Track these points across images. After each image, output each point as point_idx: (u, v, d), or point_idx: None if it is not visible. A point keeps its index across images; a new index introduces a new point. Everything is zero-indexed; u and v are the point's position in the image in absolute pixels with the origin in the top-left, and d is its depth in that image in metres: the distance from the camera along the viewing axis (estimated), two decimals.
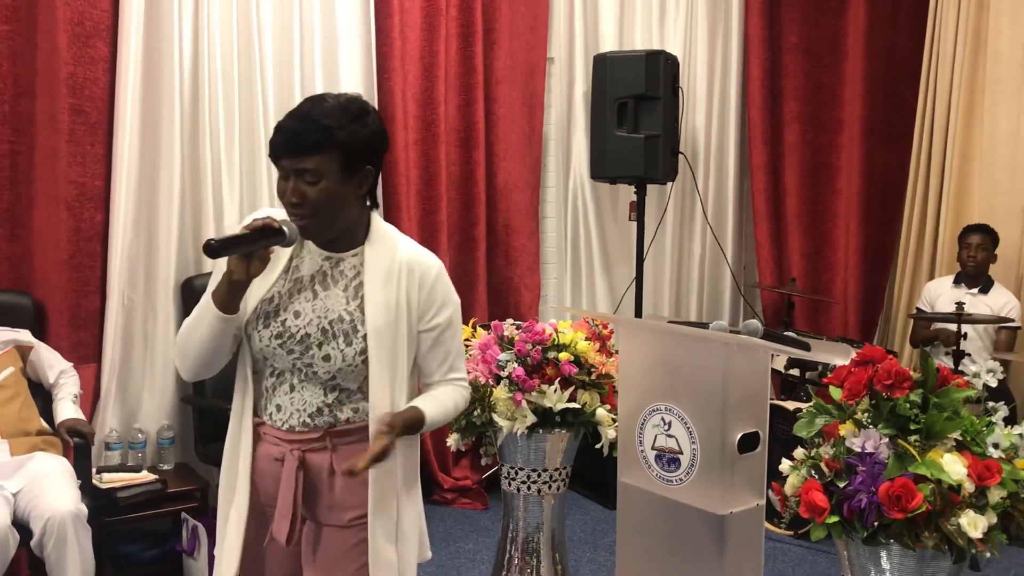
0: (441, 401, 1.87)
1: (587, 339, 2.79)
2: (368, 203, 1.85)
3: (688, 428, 2.33)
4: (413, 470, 1.93)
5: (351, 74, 4.06)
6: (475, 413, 2.70)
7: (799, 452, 2.23)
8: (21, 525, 2.81)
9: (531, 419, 2.66)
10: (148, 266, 3.65)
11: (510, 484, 2.82)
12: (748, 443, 2.24)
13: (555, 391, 2.67)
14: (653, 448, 2.43)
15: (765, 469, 2.31)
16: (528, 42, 4.65)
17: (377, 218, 1.88)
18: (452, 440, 2.82)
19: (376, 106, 4.13)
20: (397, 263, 1.81)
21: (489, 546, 3.93)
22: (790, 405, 4.13)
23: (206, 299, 1.77)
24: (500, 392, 2.69)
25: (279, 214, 1.80)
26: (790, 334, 2.40)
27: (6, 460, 2.97)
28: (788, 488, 2.19)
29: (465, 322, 2.94)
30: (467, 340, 2.85)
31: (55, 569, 2.81)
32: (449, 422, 2.02)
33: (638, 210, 4.57)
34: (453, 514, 4.34)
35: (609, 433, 2.71)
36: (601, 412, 2.72)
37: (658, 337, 2.45)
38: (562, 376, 2.70)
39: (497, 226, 4.68)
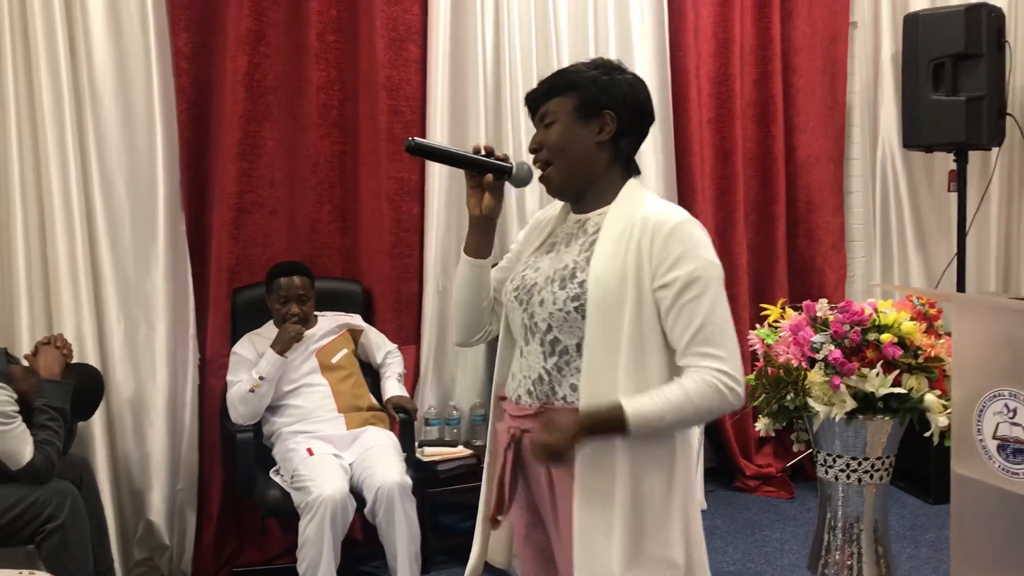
0: (664, 393, 1.59)
1: (912, 319, 2.59)
2: (624, 168, 1.77)
3: None
4: (654, 496, 1.65)
5: (644, 55, 4.05)
6: (788, 397, 2.59)
7: None
8: (355, 493, 3.07)
9: (850, 404, 2.52)
10: (459, 254, 3.77)
11: (827, 472, 2.69)
12: None
13: (877, 375, 2.50)
14: (995, 438, 2.21)
15: None
16: (829, 8, 4.43)
17: (634, 182, 1.77)
18: (761, 424, 2.73)
19: (670, 86, 4.10)
20: (636, 217, 1.67)
21: (798, 536, 3.79)
22: None
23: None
24: (815, 375, 2.56)
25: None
26: None
27: (343, 433, 3.27)
28: None
29: (770, 302, 2.84)
30: (776, 321, 2.75)
31: (386, 535, 3.05)
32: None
33: (958, 180, 4.19)
34: (756, 502, 4.22)
35: (940, 421, 2.50)
36: (930, 398, 2.51)
37: (1000, 315, 2.23)
38: (885, 359, 2.52)
39: (797, 203, 4.49)
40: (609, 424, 1.57)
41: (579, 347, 1.67)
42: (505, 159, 1.77)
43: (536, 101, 1.76)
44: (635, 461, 1.62)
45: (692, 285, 1.60)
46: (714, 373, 1.58)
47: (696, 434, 1.76)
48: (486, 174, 1.75)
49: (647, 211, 1.67)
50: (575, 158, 1.72)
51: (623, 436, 1.58)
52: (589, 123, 1.71)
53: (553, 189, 1.77)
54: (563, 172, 1.73)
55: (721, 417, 3.81)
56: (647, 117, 1.77)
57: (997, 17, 4.02)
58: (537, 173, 1.78)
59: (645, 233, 1.63)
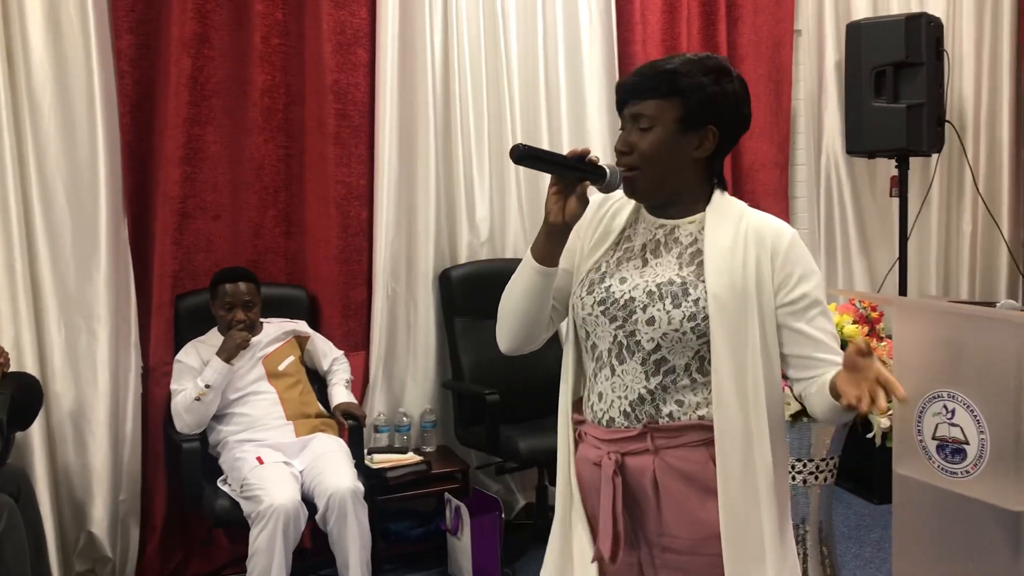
0: None
1: (854, 323, 2.63)
2: (713, 180, 1.67)
3: (975, 416, 2.15)
4: (782, 495, 1.63)
5: (594, 61, 4.06)
6: None
7: None
8: (306, 500, 3.04)
9: (795, 406, 2.55)
10: (409, 259, 3.83)
11: None
12: None
13: None
14: (934, 438, 2.26)
15: None
16: (773, 16, 4.47)
17: (722, 192, 1.67)
18: None
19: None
20: (743, 228, 1.61)
21: None
22: None
23: (525, 256, 1.66)
24: None
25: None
26: None
27: (292, 440, 3.24)
28: None
29: None
30: None
31: (337, 542, 3.02)
32: None
33: (900, 185, 4.27)
34: None
35: (882, 422, 2.55)
36: None
37: (938, 318, 2.28)
38: None
39: None
40: None
41: (687, 366, 1.60)
42: (603, 165, 1.62)
43: (631, 95, 1.62)
44: (773, 486, 1.58)
45: (817, 301, 1.61)
46: None
47: None
48: (584, 180, 1.60)
49: (756, 223, 1.62)
50: (667, 170, 1.62)
51: None
52: (689, 135, 1.60)
53: (637, 196, 1.67)
54: (651, 182, 1.63)
55: None
56: (745, 129, 1.69)
57: (936, 26, 4.11)
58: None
59: (762, 248, 1.59)
